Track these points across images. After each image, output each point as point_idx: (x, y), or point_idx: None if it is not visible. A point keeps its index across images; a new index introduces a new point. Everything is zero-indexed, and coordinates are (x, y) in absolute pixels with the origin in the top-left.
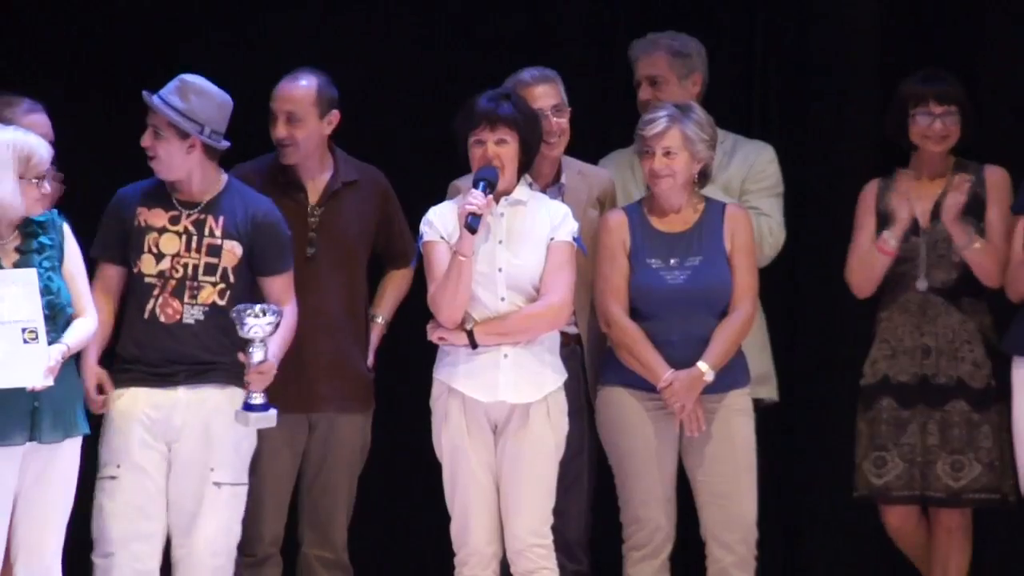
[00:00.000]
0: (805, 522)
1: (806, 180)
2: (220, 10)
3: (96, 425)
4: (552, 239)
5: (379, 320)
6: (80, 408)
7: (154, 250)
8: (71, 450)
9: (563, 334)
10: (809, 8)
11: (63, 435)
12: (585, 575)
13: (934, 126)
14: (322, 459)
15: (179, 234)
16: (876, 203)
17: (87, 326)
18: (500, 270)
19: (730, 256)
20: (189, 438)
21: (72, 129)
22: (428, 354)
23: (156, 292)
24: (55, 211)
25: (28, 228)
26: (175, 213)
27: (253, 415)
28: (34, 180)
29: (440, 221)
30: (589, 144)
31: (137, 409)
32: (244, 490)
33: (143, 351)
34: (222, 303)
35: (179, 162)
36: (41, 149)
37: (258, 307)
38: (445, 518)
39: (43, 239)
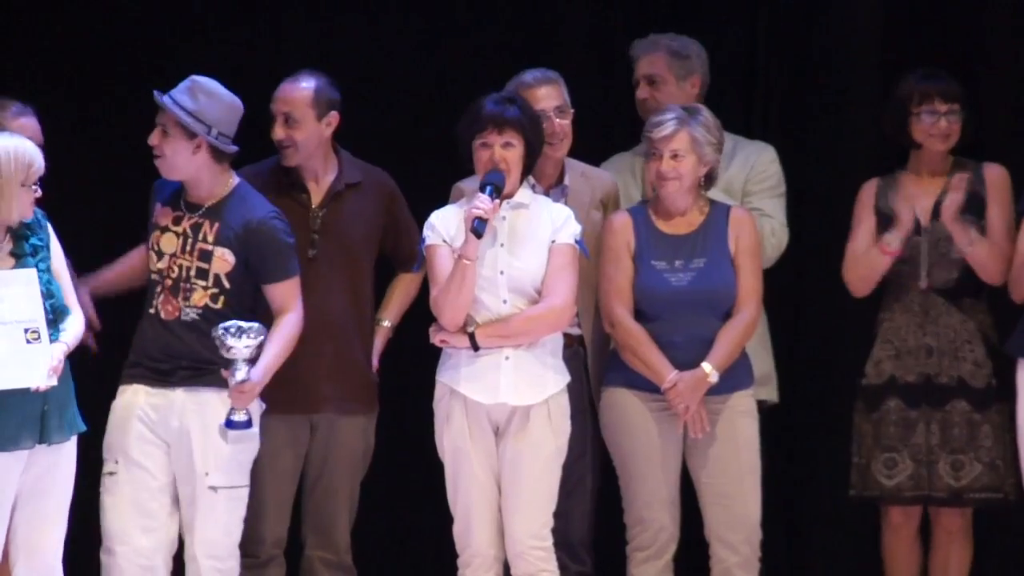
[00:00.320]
0: (809, 523)
1: (808, 180)
2: (224, 12)
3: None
4: (554, 242)
5: (385, 324)
6: (76, 405)
7: (156, 247)
8: (71, 448)
9: (566, 335)
10: (811, 8)
11: (68, 434)
12: None
13: (939, 124)
14: (324, 461)
15: (177, 235)
16: (875, 202)
17: (79, 323)
18: (502, 273)
19: (734, 258)
20: (185, 442)
21: (71, 131)
22: (431, 356)
23: (159, 289)
24: (37, 209)
25: (19, 231)
26: (179, 214)
27: (232, 432)
28: (32, 187)
29: (442, 225)
30: (592, 146)
31: (136, 406)
32: (244, 492)
33: (147, 346)
34: (216, 306)
35: (183, 162)
36: (39, 155)
37: (240, 327)
38: (448, 520)
39: (34, 240)
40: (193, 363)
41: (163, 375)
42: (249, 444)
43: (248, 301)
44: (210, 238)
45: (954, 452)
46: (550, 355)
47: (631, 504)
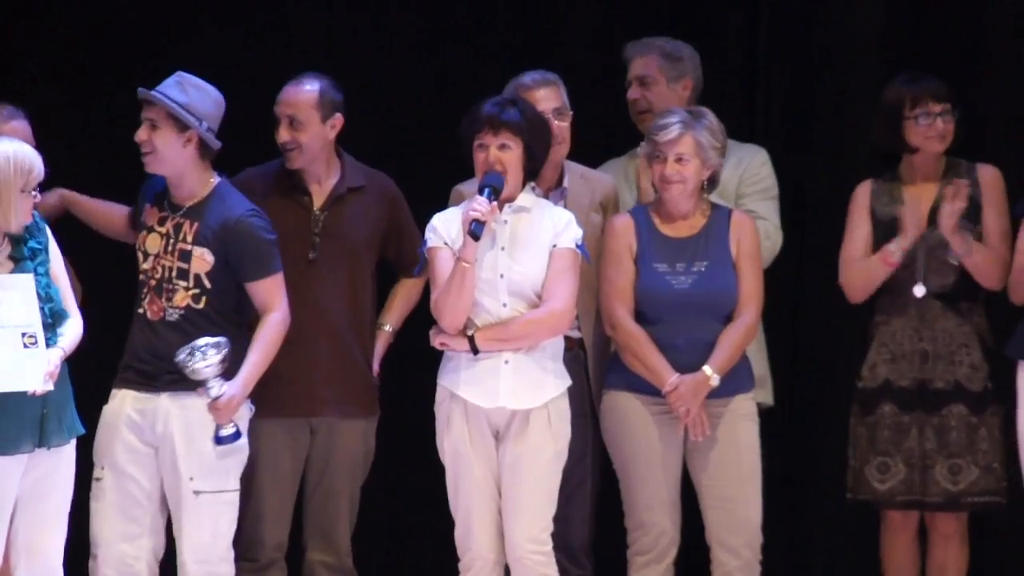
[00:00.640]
0: (810, 526)
1: (809, 182)
2: (225, 15)
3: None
4: (555, 246)
5: (386, 328)
6: (74, 408)
7: (142, 248)
8: (70, 451)
9: (567, 338)
10: (812, 10)
11: (68, 437)
12: None
13: (936, 125)
14: (324, 464)
15: (161, 235)
16: (870, 206)
17: (77, 327)
18: (502, 276)
19: (736, 261)
20: (169, 447)
21: (69, 132)
22: (433, 359)
23: (145, 290)
24: (34, 212)
25: (17, 234)
26: (164, 214)
27: (219, 448)
28: (32, 192)
29: (444, 227)
30: (592, 148)
31: (123, 412)
32: (232, 496)
33: (136, 347)
34: (198, 306)
35: (174, 156)
36: (38, 160)
37: (196, 348)
38: (449, 523)
39: (32, 244)
40: (173, 367)
41: (149, 379)
42: (230, 449)
43: (231, 300)
44: (189, 238)
45: (952, 456)
46: (550, 359)
47: (632, 508)
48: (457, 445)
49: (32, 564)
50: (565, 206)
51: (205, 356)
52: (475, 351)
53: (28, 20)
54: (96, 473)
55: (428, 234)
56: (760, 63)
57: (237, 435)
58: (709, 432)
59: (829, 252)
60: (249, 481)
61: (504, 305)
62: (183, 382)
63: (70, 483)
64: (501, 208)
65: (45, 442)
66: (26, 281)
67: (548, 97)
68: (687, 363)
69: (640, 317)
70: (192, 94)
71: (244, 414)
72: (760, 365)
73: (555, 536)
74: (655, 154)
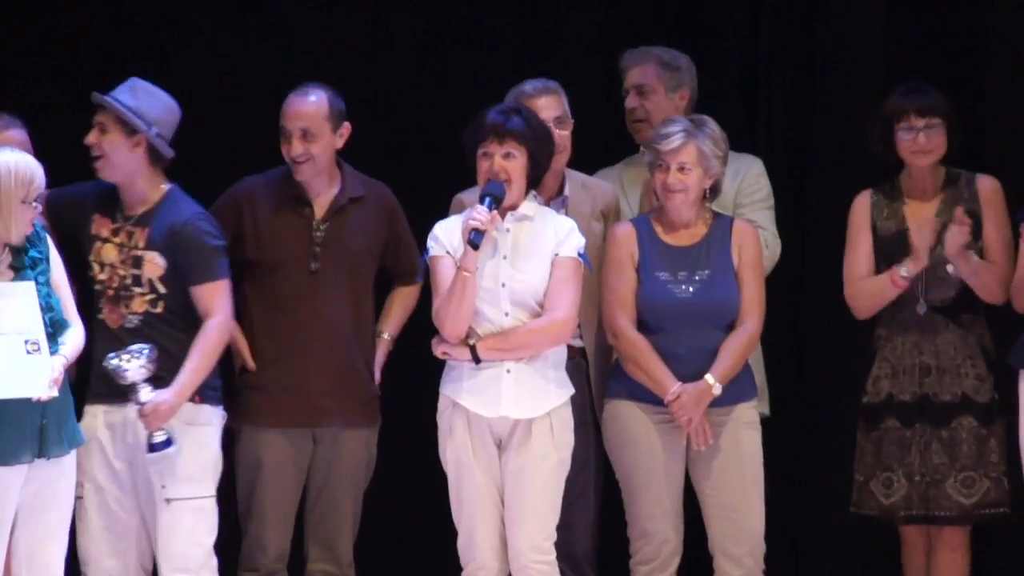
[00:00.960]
0: (813, 535)
1: (810, 191)
2: (225, 18)
3: None
4: (557, 254)
5: (385, 336)
6: (75, 418)
7: (97, 259)
8: (70, 462)
9: (568, 347)
10: (813, 17)
11: (68, 447)
12: None
13: (917, 139)
14: (327, 474)
15: (116, 245)
16: (870, 219)
17: (78, 336)
18: (503, 285)
19: (738, 270)
20: (140, 457)
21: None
22: (435, 368)
23: (103, 300)
24: (36, 221)
25: (18, 245)
26: (117, 225)
27: (150, 456)
28: (32, 203)
29: (446, 236)
30: (593, 156)
31: (96, 430)
32: (208, 503)
33: (99, 356)
34: (156, 311)
35: (123, 160)
36: (40, 171)
37: (126, 353)
38: (451, 532)
39: (33, 253)
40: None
41: (115, 391)
42: (206, 453)
43: (190, 303)
44: (140, 243)
45: (964, 469)
46: (552, 368)
47: (634, 517)
48: (460, 454)
49: (33, 574)
50: (566, 214)
51: (130, 360)
52: (477, 360)
53: (28, 20)
54: (78, 492)
55: (430, 243)
56: (761, 70)
57: (168, 443)
58: (711, 441)
59: (830, 260)
60: (252, 491)
61: (506, 314)
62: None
63: (71, 493)
64: (503, 216)
65: (45, 452)
66: (27, 288)
67: (549, 105)
68: (689, 372)
69: (642, 326)
70: (143, 99)
71: (217, 421)
72: (758, 376)
73: (558, 545)
74: (657, 163)
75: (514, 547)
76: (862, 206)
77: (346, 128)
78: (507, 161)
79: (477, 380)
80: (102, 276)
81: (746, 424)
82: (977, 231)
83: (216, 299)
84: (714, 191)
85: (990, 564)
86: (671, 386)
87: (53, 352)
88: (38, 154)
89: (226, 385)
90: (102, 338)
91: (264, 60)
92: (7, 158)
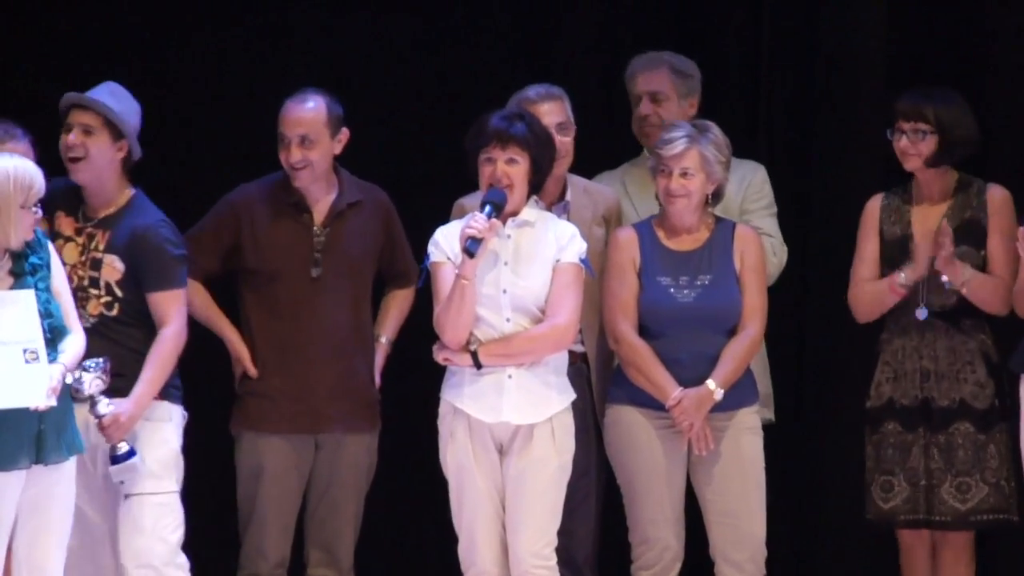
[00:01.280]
0: (814, 541)
1: (812, 196)
2: (225, 21)
3: None
4: (558, 260)
5: (383, 340)
6: (76, 425)
7: (60, 257)
8: (70, 469)
9: (570, 353)
10: (814, 22)
11: (67, 454)
12: None
13: (901, 143)
14: (328, 479)
15: (77, 245)
16: (879, 222)
17: (78, 344)
18: (505, 292)
19: (740, 275)
20: (101, 455)
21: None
22: (435, 373)
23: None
24: (37, 229)
25: (18, 250)
26: (80, 225)
27: (113, 468)
28: (32, 208)
29: (447, 242)
30: (593, 160)
31: None
32: (170, 499)
33: None
34: (111, 314)
35: (106, 163)
36: (39, 176)
37: (79, 368)
38: (453, 538)
39: (33, 259)
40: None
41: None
42: (164, 448)
43: (146, 308)
44: (100, 246)
45: (960, 475)
46: (553, 373)
47: (635, 522)
48: (461, 459)
49: None
50: (568, 220)
51: (88, 372)
52: (478, 366)
53: (28, 21)
54: None
55: (431, 248)
56: (763, 74)
57: (131, 453)
58: (713, 446)
59: (832, 265)
60: (253, 497)
61: (507, 320)
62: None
63: (70, 500)
64: (505, 222)
65: (43, 458)
66: (27, 297)
67: (552, 111)
68: (690, 377)
69: (643, 331)
70: (123, 103)
71: (177, 418)
72: (763, 383)
73: (559, 551)
74: (660, 168)
75: (515, 552)
76: (872, 209)
77: (344, 134)
78: (509, 167)
79: (478, 385)
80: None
81: (747, 429)
82: (982, 240)
83: (172, 307)
84: (716, 196)
85: (995, 570)
86: (672, 391)
87: (51, 359)
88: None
89: (227, 392)
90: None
91: (263, 62)
92: (6, 163)
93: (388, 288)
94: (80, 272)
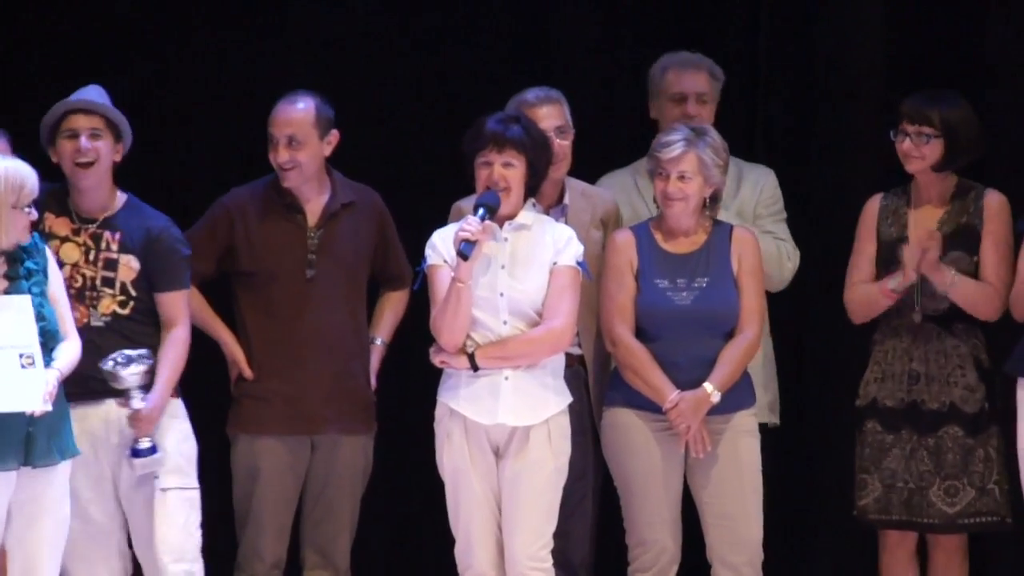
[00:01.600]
0: (811, 543)
1: (810, 198)
2: (223, 24)
3: None
4: (555, 263)
5: (379, 342)
6: (71, 429)
7: (56, 257)
8: (62, 471)
9: (567, 355)
10: (813, 24)
11: (58, 458)
12: None
13: (904, 145)
14: (324, 481)
15: (79, 245)
16: (877, 224)
17: (73, 350)
18: (502, 295)
19: (737, 278)
20: (113, 455)
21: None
22: (431, 375)
23: None
24: (36, 234)
25: (14, 253)
26: (76, 226)
27: (138, 461)
28: (25, 209)
29: (443, 245)
30: (592, 165)
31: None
32: (196, 495)
33: None
34: (124, 312)
35: (108, 166)
36: (32, 176)
37: (127, 356)
38: (448, 539)
39: (29, 264)
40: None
41: (90, 388)
42: (189, 444)
43: (154, 307)
44: (114, 247)
45: (948, 478)
46: (550, 376)
47: (632, 525)
48: (457, 461)
49: None
50: (566, 223)
51: (134, 364)
52: (475, 369)
53: (28, 21)
54: None
55: (428, 251)
56: (762, 74)
57: (153, 449)
58: (710, 449)
59: (830, 262)
60: (249, 498)
61: (504, 323)
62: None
63: (64, 503)
64: (501, 225)
65: (31, 461)
66: (24, 303)
67: (551, 115)
68: (688, 380)
69: (641, 334)
70: (112, 104)
71: (181, 411)
72: (771, 388)
73: (556, 553)
74: (658, 171)
75: (511, 554)
76: (871, 210)
77: (334, 136)
78: (506, 170)
79: (475, 387)
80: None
81: (745, 432)
82: (976, 246)
83: (182, 307)
84: (714, 200)
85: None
86: (669, 394)
87: (46, 364)
88: (37, 155)
89: (222, 394)
90: None
91: (260, 63)
92: None
93: (383, 290)
94: (88, 271)
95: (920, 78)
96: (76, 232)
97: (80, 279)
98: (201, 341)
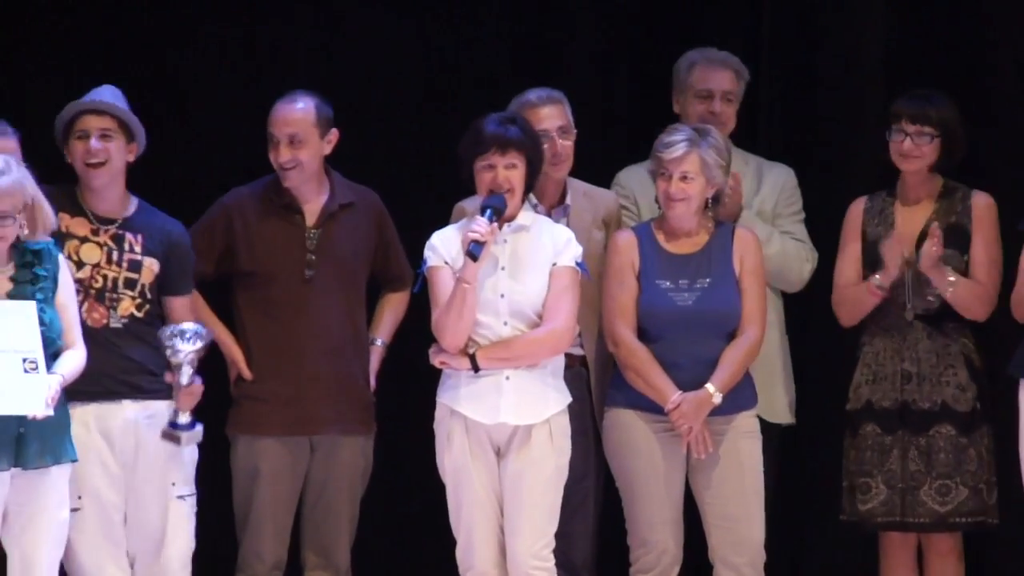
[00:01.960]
0: (813, 545)
1: (811, 199)
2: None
3: None
4: (555, 264)
5: (379, 343)
6: (68, 435)
7: (74, 257)
8: (59, 477)
9: (568, 355)
10: (814, 18)
11: (51, 461)
12: None
13: (903, 144)
14: (324, 481)
15: (100, 246)
16: (862, 226)
17: (78, 358)
18: (502, 296)
19: (739, 279)
20: (146, 457)
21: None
22: (431, 376)
23: (81, 297)
24: (51, 240)
25: (24, 258)
26: (95, 227)
27: (184, 434)
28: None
29: (444, 246)
30: (594, 166)
31: (89, 439)
32: (194, 500)
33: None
34: (139, 315)
35: (120, 167)
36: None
37: (184, 330)
38: (450, 540)
39: (38, 270)
40: (128, 373)
41: (107, 389)
42: (195, 450)
43: (160, 310)
44: (137, 248)
45: (940, 477)
46: (551, 375)
47: (634, 525)
48: (458, 462)
49: None
50: (568, 223)
51: (194, 338)
52: (476, 370)
53: (28, 21)
54: (73, 503)
55: (427, 253)
56: (761, 78)
57: (194, 423)
58: (711, 450)
59: (831, 266)
60: (249, 500)
61: (505, 324)
62: (141, 390)
63: (61, 507)
64: (501, 227)
65: (23, 463)
66: (28, 308)
67: (553, 115)
68: (689, 381)
69: (643, 334)
70: (127, 106)
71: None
72: (790, 390)
73: (557, 553)
74: (660, 171)
75: (513, 554)
76: (855, 213)
77: (333, 134)
78: (510, 171)
79: (475, 387)
80: (81, 275)
81: (746, 433)
82: (966, 245)
83: (191, 312)
84: (716, 200)
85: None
86: (671, 395)
87: (49, 370)
88: (37, 154)
89: (223, 395)
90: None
91: (260, 63)
92: None
93: (383, 291)
94: (111, 272)
95: (921, 78)
96: (95, 232)
97: (101, 280)
98: None
